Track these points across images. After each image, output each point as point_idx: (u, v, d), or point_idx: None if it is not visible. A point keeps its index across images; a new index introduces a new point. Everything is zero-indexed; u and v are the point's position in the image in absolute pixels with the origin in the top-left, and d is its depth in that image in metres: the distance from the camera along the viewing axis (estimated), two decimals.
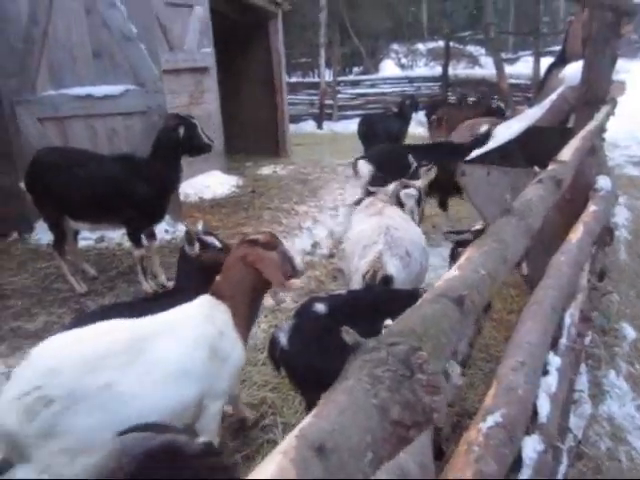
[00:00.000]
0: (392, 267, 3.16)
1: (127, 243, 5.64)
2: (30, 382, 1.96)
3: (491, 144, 4.56)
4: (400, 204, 3.90)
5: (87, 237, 5.75)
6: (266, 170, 9.56)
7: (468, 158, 3.93)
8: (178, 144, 4.50)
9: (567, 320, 1.73)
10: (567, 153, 1.79)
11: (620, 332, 4.13)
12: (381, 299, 2.87)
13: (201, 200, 7.46)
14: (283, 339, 2.58)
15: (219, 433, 2.51)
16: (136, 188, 4.49)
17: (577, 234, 2.23)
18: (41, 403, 1.92)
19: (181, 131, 4.45)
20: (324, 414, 0.64)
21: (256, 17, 10.21)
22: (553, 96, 4.03)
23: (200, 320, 2.32)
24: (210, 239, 3.16)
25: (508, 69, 15.04)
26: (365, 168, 5.81)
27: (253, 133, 10.81)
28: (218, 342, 2.30)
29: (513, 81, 14.43)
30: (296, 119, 15.50)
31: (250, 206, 7.21)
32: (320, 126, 16.03)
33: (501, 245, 1.03)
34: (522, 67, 18.79)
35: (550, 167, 1.53)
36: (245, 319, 2.49)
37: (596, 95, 2.81)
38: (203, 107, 7.97)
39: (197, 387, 2.21)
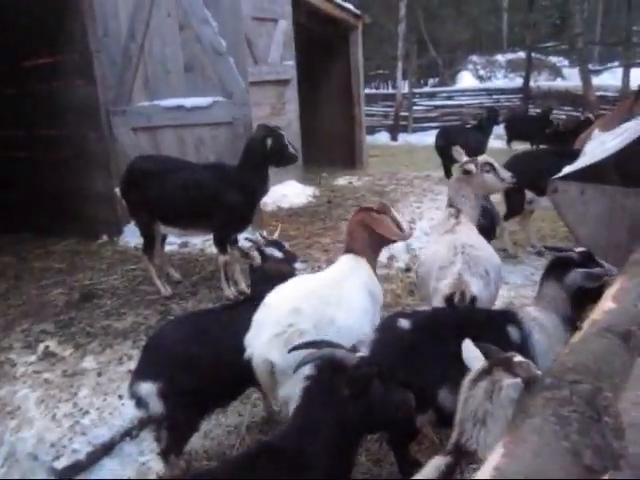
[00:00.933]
0: (475, 287, 3.01)
1: (209, 249, 5.85)
2: (281, 322, 2.47)
3: (584, 160, 4.36)
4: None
5: (171, 242, 5.99)
6: (342, 181, 9.63)
7: (560, 175, 3.77)
8: (265, 154, 4.61)
9: None
10: None
11: None
12: (468, 318, 2.79)
13: (279, 209, 7.62)
14: (364, 353, 2.57)
15: None
16: (227, 196, 4.64)
17: None
18: (296, 336, 2.41)
19: (269, 142, 4.55)
20: (518, 454, 0.62)
21: (337, 29, 10.35)
22: None
23: (356, 272, 2.93)
24: (269, 250, 3.20)
25: (594, 81, 14.40)
26: None
27: (330, 144, 10.92)
28: (371, 286, 2.93)
29: (600, 93, 13.80)
30: (370, 130, 15.54)
31: (327, 217, 7.27)
32: (395, 138, 15.98)
33: None
34: (608, 78, 17.94)
35: None
36: (373, 267, 3.09)
37: None
38: (284, 118, 8.16)
39: (369, 321, 2.79)
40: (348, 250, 3.09)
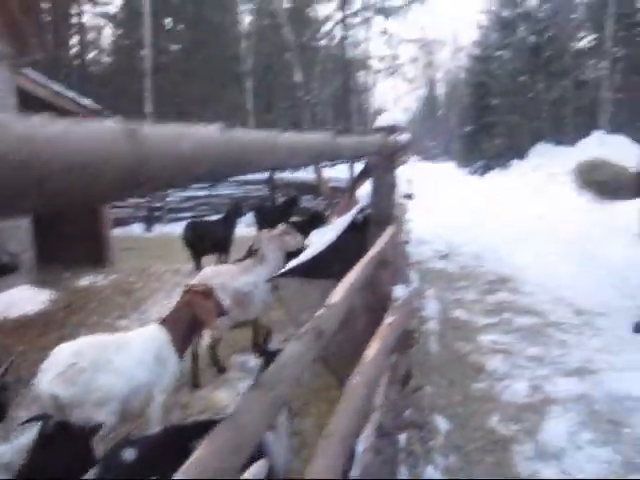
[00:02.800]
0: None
1: None
2: (65, 362, 3.03)
3: (307, 253, 4.78)
4: None
5: None
6: (86, 281, 8.91)
7: (282, 271, 4.07)
8: None
9: (359, 448, 1.78)
10: (339, 292, 1.92)
11: (433, 425, 4.37)
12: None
13: (5, 320, 6.64)
14: None
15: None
16: None
17: (373, 350, 2.37)
18: (79, 372, 2.99)
19: None
20: None
21: None
22: (353, 211, 4.43)
23: (151, 336, 3.42)
24: None
25: (330, 172, 16.35)
26: None
27: (72, 239, 10.07)
28: (160, 352, 3.36)
29: (333, 184, 15.70)
30: (124, 222, 14.98)
31: (65, 324, 6.59)
32: (150, 229, 15.67)
33: (237, 432, 0.98)
34: (341, 170, 20.60)
35: (318, 313, 1.61)
36: (182, 343, 3.53)
37: (382, 216, 3.14)
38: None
39: (148, 377, 3.29)
40: (162, 320, 3.59)
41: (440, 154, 55.24)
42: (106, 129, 0.55)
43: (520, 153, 26.05)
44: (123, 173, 0.53)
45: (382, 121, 3.26)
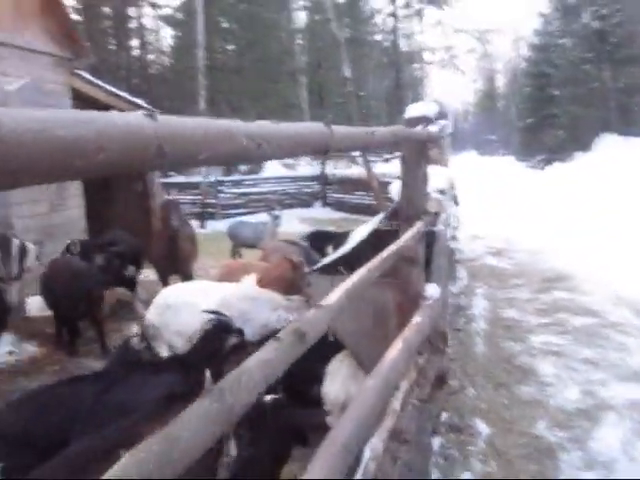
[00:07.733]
0: None
1: None
2: (158, 301, 4.17)
3: (342, 250, 4.70)
4: None
5: None
6: None
7: (315, 267, 4.00)
8: None
9: (367, 454, 1.68)
10: (337, 292, 1.81)
11: (474, 429, 4.18)
12: None
13: None
14: None
15: None
16: None
17: (393, 352, 2.25)
18: (165, 308, 4.00)
19: None
20: None
21: None
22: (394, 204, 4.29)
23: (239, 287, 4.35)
24: None
25: (384, 168, 16.15)
26: None
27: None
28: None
29: (386, 179, 15.53)
30: None
31: None
32: (203, 225, 15.98)
33: (169, 445, 0.88)
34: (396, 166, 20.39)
35: (306, 313, 1.51)
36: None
37: (414, 210, 3.00)
38: (65, 214, 7.62)
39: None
40: (259, 280, 4.32)
41: (499, 148, 53.55)
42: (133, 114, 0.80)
43: (584, 145, 24.80)
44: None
45: (412, 112, 3.14)
